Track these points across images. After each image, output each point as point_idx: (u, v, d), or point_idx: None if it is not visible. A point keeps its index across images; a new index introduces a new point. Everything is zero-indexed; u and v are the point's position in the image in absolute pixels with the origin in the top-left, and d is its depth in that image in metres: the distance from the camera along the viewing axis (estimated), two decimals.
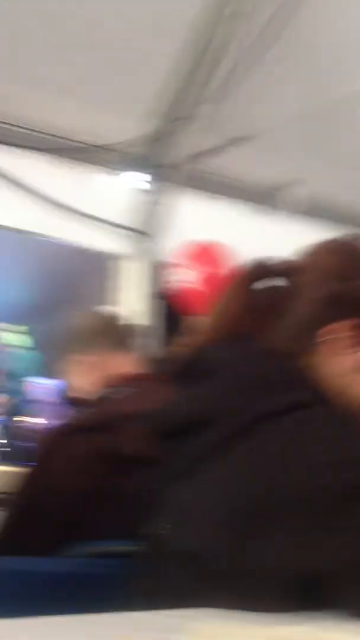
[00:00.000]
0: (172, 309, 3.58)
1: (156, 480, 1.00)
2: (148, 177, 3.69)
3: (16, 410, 6.69)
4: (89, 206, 3.52)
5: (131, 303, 3.59)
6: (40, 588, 0.89)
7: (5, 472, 3.57)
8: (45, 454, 1.39)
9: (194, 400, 0.96)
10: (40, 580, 0.92)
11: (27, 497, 1.36)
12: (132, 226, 3.64)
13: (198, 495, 0.85)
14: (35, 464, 1.41)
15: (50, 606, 0.60)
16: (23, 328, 6.85)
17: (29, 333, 6.85)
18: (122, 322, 1.85)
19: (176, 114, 3.26)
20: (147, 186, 3.69)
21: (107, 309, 3.06)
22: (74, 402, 1.72)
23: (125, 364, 1.68)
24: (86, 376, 1.71)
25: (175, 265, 3.46)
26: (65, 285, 5.99)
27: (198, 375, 0.97)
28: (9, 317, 6.80)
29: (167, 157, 3.57)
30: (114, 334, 1.75)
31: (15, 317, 6.87)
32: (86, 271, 5.22)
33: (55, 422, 1.50)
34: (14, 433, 6.51)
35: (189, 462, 0.89)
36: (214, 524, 0.82)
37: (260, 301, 1.01)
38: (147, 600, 0.83)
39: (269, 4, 2.76)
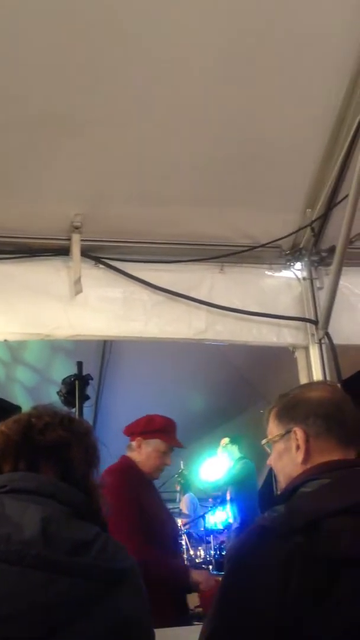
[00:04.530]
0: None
1: None
2: (309, 265, 3.71)
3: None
4: (256, 304, 3.59)
5: None
6: None
7: None
8: (247, 562, 1.34)
9: None
10: None
11: (234, 606, 1.31)
12: (302, 316, 3.63)
13: None
14: (236, 571, 1.36)
15: None
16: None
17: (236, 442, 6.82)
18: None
19: (331, 199, 3.30)
20: (310, 274, 3.71)
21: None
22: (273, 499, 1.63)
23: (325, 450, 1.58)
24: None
25: None
26: (247, 384, 6.04)
27: None
28: (201, 427, 6.91)
29: (326, 242, 3.59)
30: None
31: (205, 425, 6.99)
32: (264, 368, 5.25)
33: (253, 527, 1.38)
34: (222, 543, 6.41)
35: None
36: None
37: None
38: None
39: None
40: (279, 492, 1.57)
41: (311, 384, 1.70)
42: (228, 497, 6.72)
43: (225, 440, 6.78)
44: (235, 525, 6.46)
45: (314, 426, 1.57)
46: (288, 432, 1.61)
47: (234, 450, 6.76)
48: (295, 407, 1.64)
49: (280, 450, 1.64)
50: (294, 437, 1.59)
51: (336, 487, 1.39)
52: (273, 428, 1.68)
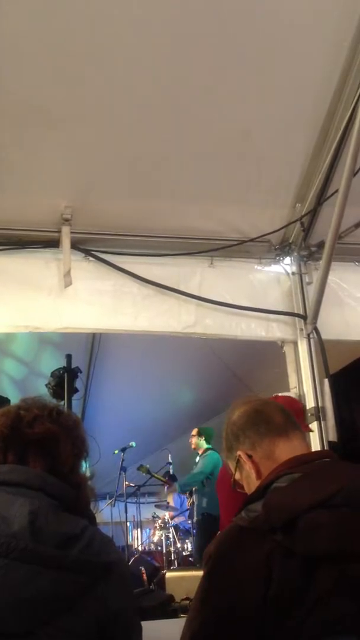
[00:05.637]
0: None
1: None
2: (299, 260, 3.73)
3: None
4: (246, 298, 3.60)
5: (302, 386, 3.53)
6: None
7: (190, 577, 3.54)
8: (228, 561, 1.35)
9: None
10: None
11: (218, 605, 1.32)
12: (291, 311, 3.64)
13: None
14: (218, 571, 1.36)
15: None
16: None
17: (203, 434, 6.84)
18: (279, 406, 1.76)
19: (320, 194, 3.31)
20: (299, 269, 3.72)
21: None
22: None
23: (289, 448, 1.59)
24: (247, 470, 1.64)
25: None
26: (236, 378, 6.06)
27: None
28: (189, 420, 6.93)
29: (315, 237, 3.60)
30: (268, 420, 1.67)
31: (193, 419, 7.01)
32: (253, 362, 5.26)
33: (232, 526, 1.38)
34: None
35: None
36: None
37: None
38: None
39: None
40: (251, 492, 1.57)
41: (232, 407, 1.75)
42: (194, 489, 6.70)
43: (195, 431, 6.81)
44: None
45: (247, 440, 1.63)
46: (237, 460, 1.65)
47: (202, 442, 6.78)
48: (228, 438, 1.70)
49: (243, 478, 1.67)
50: (242, 461, 1.63)
51: (307, 482, 1.40)
52: (230, 466, 1.73)
